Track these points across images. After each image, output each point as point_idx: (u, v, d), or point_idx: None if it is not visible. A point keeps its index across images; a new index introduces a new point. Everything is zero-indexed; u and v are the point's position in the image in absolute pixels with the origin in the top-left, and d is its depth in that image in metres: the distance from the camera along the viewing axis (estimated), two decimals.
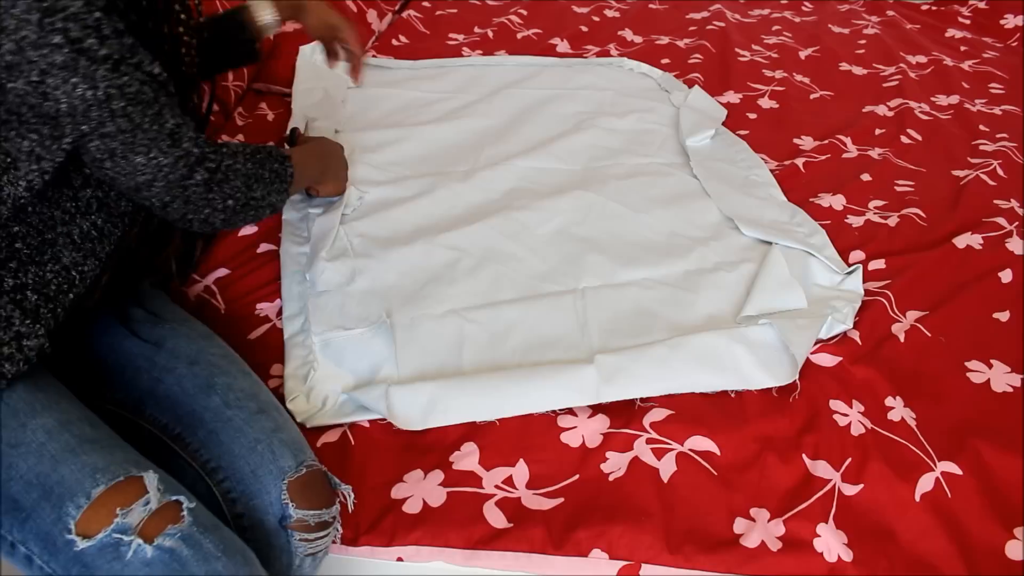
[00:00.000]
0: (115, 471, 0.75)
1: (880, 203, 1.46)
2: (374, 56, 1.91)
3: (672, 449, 0.98)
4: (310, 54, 1.70)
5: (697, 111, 1.68)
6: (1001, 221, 1.40)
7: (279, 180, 0.99)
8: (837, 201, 1.46)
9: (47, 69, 0.73)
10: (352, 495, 0.91)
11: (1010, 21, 2.31)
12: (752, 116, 1.77)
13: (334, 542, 0.90)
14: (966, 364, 1.12)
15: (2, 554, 0.76)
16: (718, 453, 0.98)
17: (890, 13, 2.40)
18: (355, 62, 1.34)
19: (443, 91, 1.73)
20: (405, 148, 1.51)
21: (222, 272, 1.22)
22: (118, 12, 0.78)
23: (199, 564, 0.72)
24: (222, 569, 0.73)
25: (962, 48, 2.19)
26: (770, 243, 1.28)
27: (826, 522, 0.92)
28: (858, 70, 2.02)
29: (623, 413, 1.02)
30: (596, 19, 2.25)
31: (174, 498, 0.75)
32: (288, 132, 1.44)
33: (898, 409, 1.05)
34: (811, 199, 1.46)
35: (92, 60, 0.74)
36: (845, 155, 1.63)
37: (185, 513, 0.75)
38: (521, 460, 0.97)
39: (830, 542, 0.90)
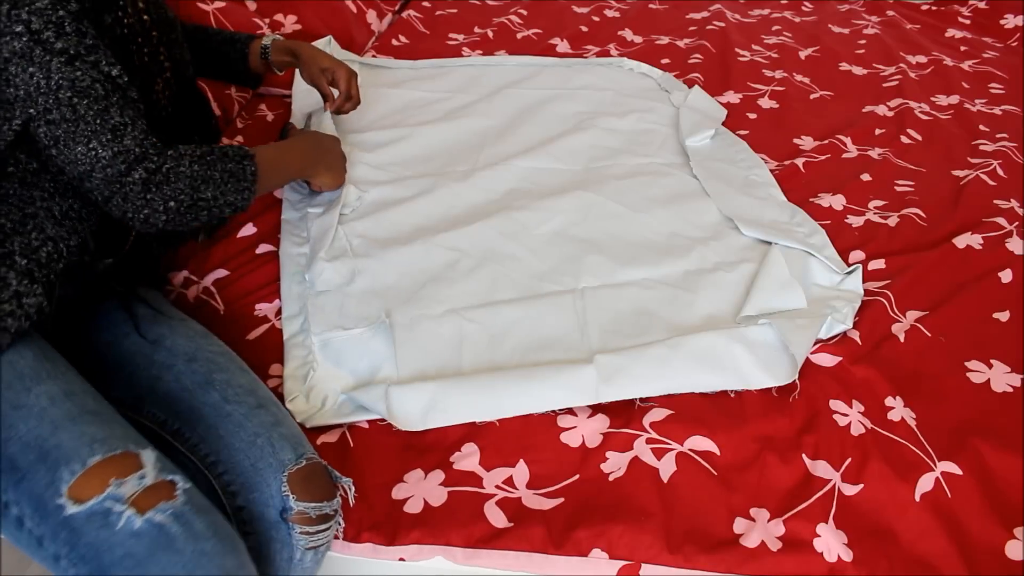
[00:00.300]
0: (113, 444, 0.76)
1: (880, 203, 1.46)
2: (374, 56, 1.91)
3: (672, 449, 0.98)
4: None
5: (697, 111, 1.68)
6: (1001, 221, 1.40)
7: (235, 179, 0.98)
8: (837, 201, 1.46)
9: (9, 57, 0.82)
10: (353, 488, 0.91)
11: (1010, 21, 2.31)
12: (752, 116, 1.77)
13: (336, 537, 0.91)
14: (966, 364, 1.12)
15: None
16: (718, 453, 0.98)
17: (890, 13, 2.40)
18: (339, 100, 1.38)
19: (443, 91, 1.73)
20: (405, 148, 1.51)
21: (221, 273, 1.22)
22: (91, 18, 0.86)
23: (187, 542, 0.72)
24: (210, 549, 0.73)
25: (962, 48, 2.19)
26: (770, 243, 1.28)
27: (826, 522, 0.92)
28: (858, 70, 2.02)
29: (623, 413, 1.02)
30: (596, 19, 2.25)
31: (170, 477, 0.76)
32: (282, 129, 1.45)
33: (898, 409, 1.05)
34: (811, 199, 1.46)
35: (47, 51, 0.83)
36: (845, 155, 1.63)
37: (179, 492, 0.75)
38: (521, 460, 0.97)
39: (830, 542, 0.90)
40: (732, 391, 1.06)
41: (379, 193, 1.37)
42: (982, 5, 2.42)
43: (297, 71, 1.44)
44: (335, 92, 1.37)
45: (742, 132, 1.67)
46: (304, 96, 1.57)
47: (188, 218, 0.95)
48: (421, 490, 0.94)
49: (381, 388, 1.01)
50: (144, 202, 0.90)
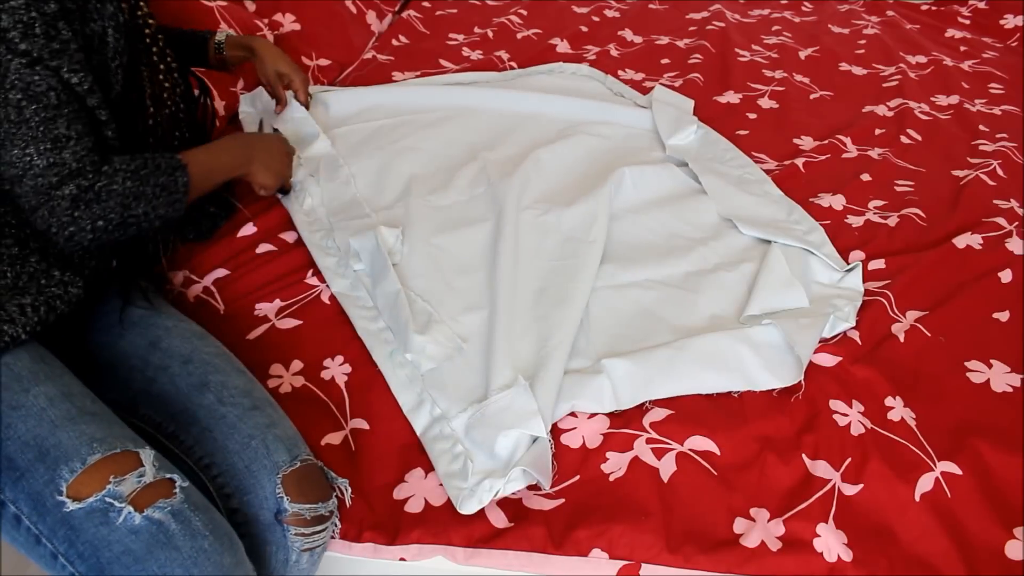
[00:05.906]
0: (112, 443, 0.77)
1: (880, 203, 1.46)
2: (374, 56, 1.90)
3: (672, 449, 0.98)
4: (248, 104, 1.55)
5: (668, 104, 1.66)
6: (1001, 221, 1.40)
7: (167, 192, 0.95)
8: (837, 201, 1.46)
9: None
10: (349, 489, 0.91)
11: (1010, 21, 2.31)
12: (752, 116, 1.77)
13: (332, 537, 0.91)
14: (966, 364, 1.12)
15: None
16: (718, 453, 0.98)
17: (890, 13, 2.40)
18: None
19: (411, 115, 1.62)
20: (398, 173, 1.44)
21: (221, 272, 1.22)
22: (74, 19, 0.86)
23: (185, 539, 0.73)
24: (208, 547, 0.74)
25: (962, 48, 2.19)
26: (769, 241, 1.28)
27: (826, 522, 0.92)
28: (858, 70, 2.02)
29: (623, 413, 1.02)
30: (596, 19, 2.25)
31: (168, 476, 0.77)
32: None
33: (898, 409, 1.05)
34: (811, 199, 1.46)
35: (10, 50, 0.81)
36: (845, 155, 1.63)
37: (177, 491, 0.76)
38: None
39: (830, 542, 0.90)
40: (735, 391, 1.06)
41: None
42: (982, 5, 2.42)
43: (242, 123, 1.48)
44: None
45: (742, 132, 1.67)
46: (249, 103, 1.52)
47: (116, 235, 0.92)
48: (422, 490, 0.94)
49: (542, 443, 0.95)
50: (70, 219, 0.87)
